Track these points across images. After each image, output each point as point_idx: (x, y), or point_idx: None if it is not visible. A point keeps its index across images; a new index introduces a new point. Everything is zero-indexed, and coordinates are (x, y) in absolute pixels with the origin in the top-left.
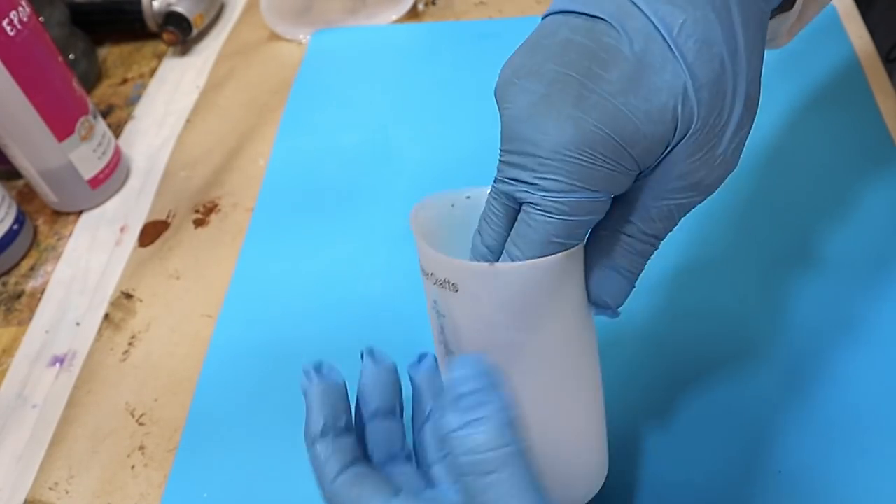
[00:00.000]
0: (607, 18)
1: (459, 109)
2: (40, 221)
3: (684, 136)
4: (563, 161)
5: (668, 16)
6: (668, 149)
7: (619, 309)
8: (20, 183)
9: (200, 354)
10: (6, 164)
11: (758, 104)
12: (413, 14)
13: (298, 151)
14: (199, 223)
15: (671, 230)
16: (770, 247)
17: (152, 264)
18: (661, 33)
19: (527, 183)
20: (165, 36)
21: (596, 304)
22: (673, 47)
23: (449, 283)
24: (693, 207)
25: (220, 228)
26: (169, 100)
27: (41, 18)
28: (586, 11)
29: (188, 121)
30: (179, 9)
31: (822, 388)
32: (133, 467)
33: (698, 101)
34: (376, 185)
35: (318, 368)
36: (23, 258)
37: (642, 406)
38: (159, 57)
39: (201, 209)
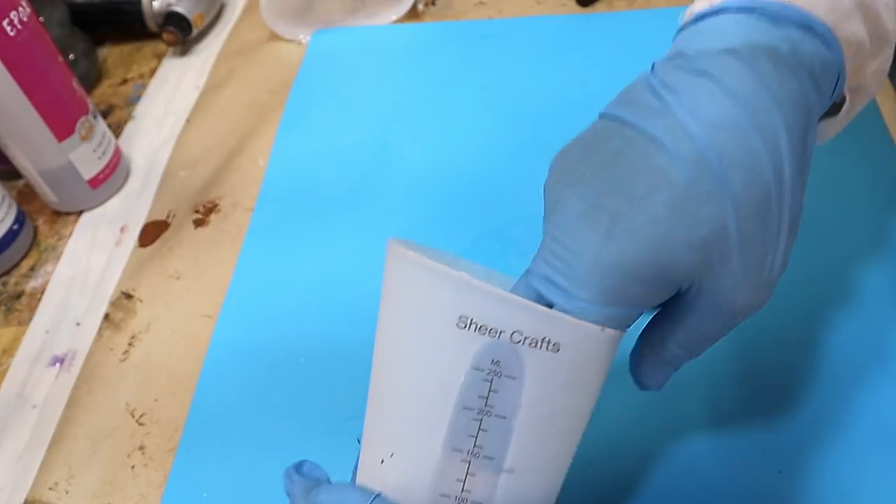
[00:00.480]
0: (659, 137)
1: (459, 109)
2: (40, 221)
3: (727, 264)
4: (601, 276)
5: (717, 144)
6: (710, 276)
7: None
8: (20, 183)
9: (200, 354)
10: (6, 164)
11: (799, 223)
12: (413, 14)
13: (298, 151)
14: (199, 223)
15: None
16: None
17: (152, 264)
18: (710, 163)
19: (560, 289)
20: (165, 36)
21: (643, 388)
22: (721, 178)
23: (549, 342)
24: (734, 328)
25: (220, 228)
26: (169, 100)
27: (41, 18)
28: (638, 124)
29: (188, 121)
30: (179, 9)
31: (821, 387)
32: (133, 467)
33: (739, 232)
34: (376, 185)
35: (298, 468)
36: (23, 258)
37: (641, 407)
38: (159, 57)
39: (201, 209)
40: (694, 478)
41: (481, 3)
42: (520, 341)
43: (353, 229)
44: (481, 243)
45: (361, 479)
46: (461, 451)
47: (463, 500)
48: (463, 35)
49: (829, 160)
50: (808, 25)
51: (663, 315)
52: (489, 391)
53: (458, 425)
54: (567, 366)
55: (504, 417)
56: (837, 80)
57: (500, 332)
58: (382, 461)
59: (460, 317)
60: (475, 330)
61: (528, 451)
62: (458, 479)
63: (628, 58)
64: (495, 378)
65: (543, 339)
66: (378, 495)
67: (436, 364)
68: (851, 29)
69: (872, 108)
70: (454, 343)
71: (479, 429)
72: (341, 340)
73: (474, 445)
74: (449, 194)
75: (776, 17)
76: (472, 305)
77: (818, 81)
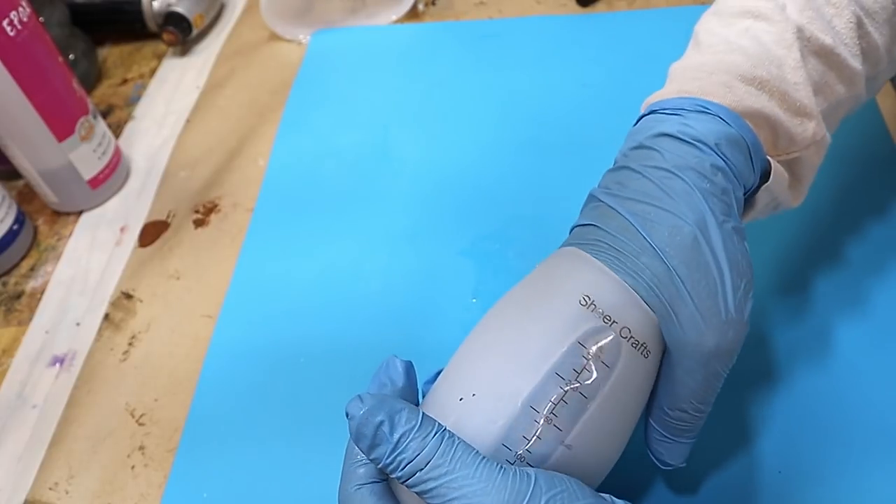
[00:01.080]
0: (594, 223)
1: (459, 109)
2: (40, 221)
3: (681, 306)
4: None
5: (639, 212)
6: (670, 319)
7: (684, 464)
8: (20, 183)
9: (200, 354)
10: (6, 164)
11: (748, 267)
12: (413, 14)
13: (298, 151)
14: (199, 223)
15: (713, 396)
16: (768, 247)
17: (152, 264)
18: (635, 227)
19: None
20: (165, 36)
21: (665, 465)
22: (646, 237)
23: (645, 348)
24: (722, 377)
25: (220, 228)
26: (169, 100)
27: (41, 18)
28: (582, 222)
29: (188, 121)
30: (179, 9)
31: (822, 387)
32: (133, 467)
33: (679, 275)
34: (376, 185)
35: (407, 367)
36: (23, 258)
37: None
38: (159, 57)
39: (201, 209)
40: (694, 478)
41: (481, 3)
42: (626, 337)
43: (353, 229)
44: (481, 243)
45: (431, 411)
46: (538, 411)
47: (520, 458)
48: (463, 35)
49: (829, 160)
50: (703, 109)
51: (656, 385)
52: (583, 369)
53: (544, 387)
54: (649, 372)
55: (585, 397)
56: (751, 150)
57: (613, 323)
58: (461, 399)
59: (585, 296)
60: (593, 311)
61: (591, 436)
62: (524, 437)
63: (628, 58)
64: (593, 360)
65: (643, 343)
66: (426, 416)
67: (548, 327)
68: (755, 105)
69: (872, 108)
70: (571, 315)
71: (562, 399)
72: (341, 340)
73: (551, 412)
74: (449, 194)
75: (676, 109)
76: (599, 290)
77: (723, 151)
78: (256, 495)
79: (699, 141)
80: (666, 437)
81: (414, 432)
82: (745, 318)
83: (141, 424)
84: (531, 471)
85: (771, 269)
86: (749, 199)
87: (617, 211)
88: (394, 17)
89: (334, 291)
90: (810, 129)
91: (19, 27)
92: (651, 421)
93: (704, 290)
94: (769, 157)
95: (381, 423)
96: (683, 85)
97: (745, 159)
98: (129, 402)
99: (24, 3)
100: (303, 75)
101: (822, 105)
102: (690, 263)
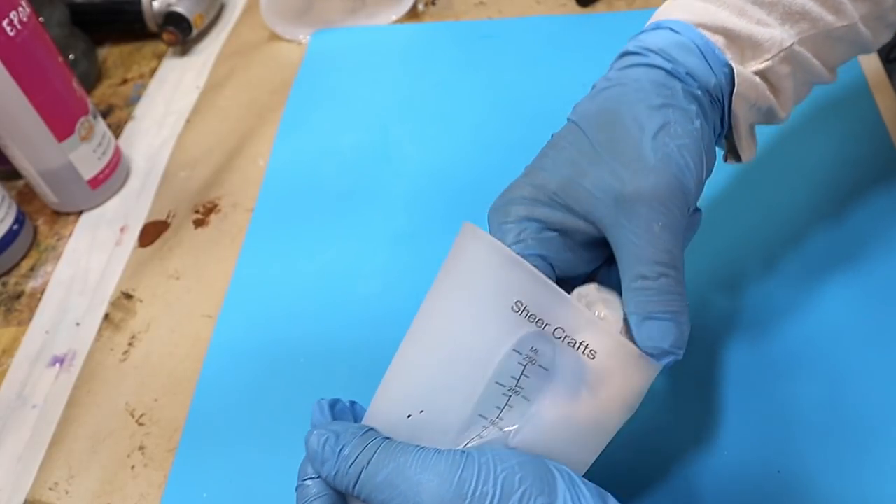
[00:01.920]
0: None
1: (459, 109)
2: (40, 221)
3: (597, 163)
4: None
5: (583, 110)
6: (588, 178)
7: (680, 350)
8: (20, 183)
9: (200, 354)
10: (6, 164)
11: (687, 136)
12: (413, 14)
13: (298, 151)
14: (199, 223)
15: (669, 255)
16: (768, 247)
17: (152, 264)
18: (577, 126)
19: None
20: (165, 36)
21: (652, 353)
22: (578, 125)
23: (586, 347)
24: (666, 229)
25: (220, 228)
26: (169, 100)
27: (41, 18)
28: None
29: (188, 121)
30: (179, 9)
31: (821, 387)
32: (133, 467)
33: (594, 139)
34: (376, 185)
35: (332, 405)
36: (23, 258)
37: (641, 407)
38: (159, 57)
39: (201, 209)
40: (694, 478)
41: (481, 3)
42: (560, 338)
43: (353, 229)
44: None
45: (383, 430)
46: (486, 417)
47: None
48: (463, 35)
49: (828, 160)
50: (656, 26)
51: (621, 261)
52: (521, 374)
53: (487, 395)
54: (598, 375)
55: (528, 401)
56: (703, 53)
57: (546, 325)
58: (409, 416)
59: (517, 301)
60: (526, 317)
61: (541, 438)
62: (478, 436)
63: None
64: (529, 364)
65: (583, 342)
66: (372, 428)
67: (483, 338)
68: (710, 17)
69: (872, 108)
70: (504, 323)
71: (507, 404)
72: (341, 340)
73: (497, 417)
74: (448, 194)
75: (638, 35)
76: (530, 294)
77: (669, 53)
78: (256, 495)
79: (645, 49)
80: (645, 316)
81: (357, 438)
82: (674, 170)
83: (141, 424)
84: (465, 450)
85: (769, 268)
86: (730, 110)
87: (569, 120)
88: (394, 17)
89: (334, 291)
90: (776, 35)
91: (19, 27)
92: (627, 311)
93: (622, 144)
94: (734, 64)
95: (328, 439)
96: (655, 18)
97: (698, 60)
98: (129, 402)
99: (24, 3)
100: (303, 75)
101: (810, 31)
102: (605, 127)
